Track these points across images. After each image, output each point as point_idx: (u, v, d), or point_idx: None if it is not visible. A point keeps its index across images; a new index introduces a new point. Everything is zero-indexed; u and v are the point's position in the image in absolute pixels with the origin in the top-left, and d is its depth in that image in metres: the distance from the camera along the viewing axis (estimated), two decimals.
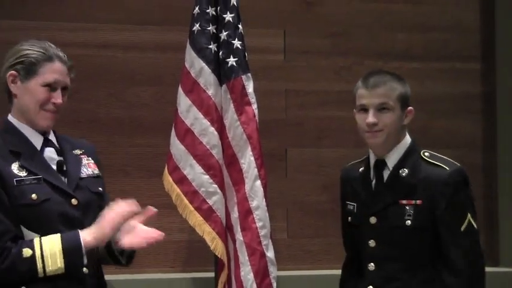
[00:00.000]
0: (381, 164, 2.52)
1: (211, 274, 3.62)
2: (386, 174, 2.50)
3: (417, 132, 4.14)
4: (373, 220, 2.49)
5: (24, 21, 3.78)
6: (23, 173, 2.23)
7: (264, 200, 3.50)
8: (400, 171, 2.48)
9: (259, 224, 3.47)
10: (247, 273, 3.44)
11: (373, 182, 2.52)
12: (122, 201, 2.23)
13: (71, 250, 2.18)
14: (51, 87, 2.28)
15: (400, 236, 2.44)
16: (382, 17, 4.22)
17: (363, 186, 2.55)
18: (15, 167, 2.24)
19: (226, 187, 3.53)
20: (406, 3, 4.26)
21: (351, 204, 2.58)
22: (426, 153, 2.53)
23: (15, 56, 2.30)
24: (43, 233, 2.21)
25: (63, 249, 2.17)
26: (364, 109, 2.49)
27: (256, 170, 3.49)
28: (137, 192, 3.75)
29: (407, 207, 2.44)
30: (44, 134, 2.33)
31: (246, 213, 3.47)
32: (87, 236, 2.20)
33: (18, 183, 2.21)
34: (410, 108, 2.54)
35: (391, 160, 2.50)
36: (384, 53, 4.20)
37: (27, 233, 2.22)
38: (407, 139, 2.56)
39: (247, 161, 3.50)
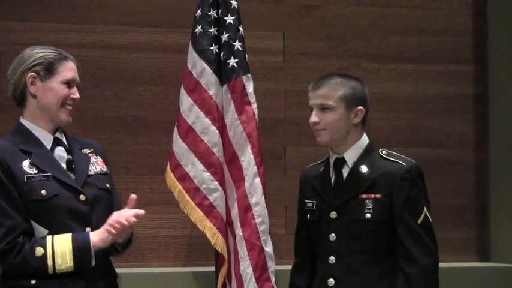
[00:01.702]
0: (340, 161, 2.56)
1: (212, 268, 3.60)
2: (345, 171, 2.54)
3: (411, 131, 4.20)
4: (333, 215, 2.52)
5: (33, 23, 3.78)
6: (33, 171, 2.27)
7: (263, 196, 3.49)
8: (359, 167, 2.52)
9: (258, 220, 3.46)
10: (246, 268, 3.43)
11: (333, 179, 2.56)
12: (126, 209, 2.28)
13: (80, 250, 2.21)
14: (69, 84, 2.35)
15: (360, 228, 2.47)
16: (377, 21, 4.22)
17: (322, 183, 2.58)
18: (26, 165, 2.27)
19: (227, 184, 3.52)
20: (400, 8, 4.26)
21: (310, 202, 2.62)
22: (384, 151, 2.57)
23: (31, 59, 2.35)
24: (53, 226, 2.24)
25: (73, 249, 2.21)
26: (311, 109, 2.57)
27: (255, 167, 3.48)
28: (140, 189, 3.75)
29: (367, 201, 2.48)
30: (54, 133, 2.36)
31: (246, 209, 3.46)
32: (95, 237, 2.24)
33: (28, 180, 2.25)
34: (359, 107, 2.56)
35: (350, 157, 2.54)
36: (379, 55, 4.21)
37: (37, 227, 2.25)
38: (365, 138, 2.59)
39: (247, 159, 3.48)
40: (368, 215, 2.46)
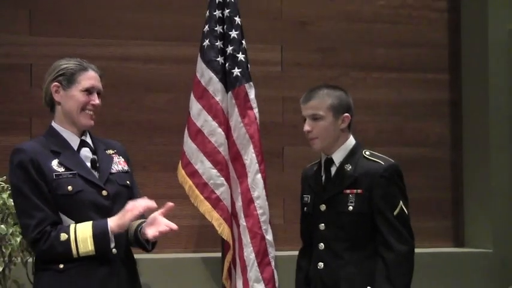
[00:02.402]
0: (329, 161, 2.57)
1: (219, 254, 3.60)
2: (333, 169, 2.56)
3: (394, 132, 4.21)
4: (323, 207, 2.53)
5: (60, 38, 3.77)
6: (61, 169, 2.26)
7: (264, 190, 3.49)
8: (345, 166, 2.53)
9: (259, 212, 3.46)
10: (249, 254, 3.42)
11: (323, 176, 2.58)
12: (143, 199, 2.27)
13: (100, 235, 2.21)
14: (88, 91, 2.33)
15: (344, 219, 2.49)
16: (364, 35, 4.21)
17: (315, 180, 2.60)
18: (55, 164, 2.27)
19: (232, 180, 3.51)
20: (384, 23, 4.25)
21: (306, 197, 2.64)
22: (367, 152, 2.57)
23: (55, 70, 2.35)
24: (77, 218, 2.24)
25: (93, 235, 2.20)
26: (304, 119, 2.57)
27: (257, 165, 3.47)
28: (155, 185, 3.74)
29: (350, 196, 2.49)
30: (81, 136, 2.36)
31: (249, 202, 3.46)
32: (112, 223, 2.24)
33: (56, 177, 2.24)
34: (346, 114, 2.55)
35: (337, 158, 2.55)
36: (366, 66, 4.19)
37: (65, 219, 2.25)
38: (352, 140, 2.59)
39: (250, 158, 3.48)
40: (350, 208, 2.48)
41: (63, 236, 2.19)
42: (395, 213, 2.46)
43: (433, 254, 4.03)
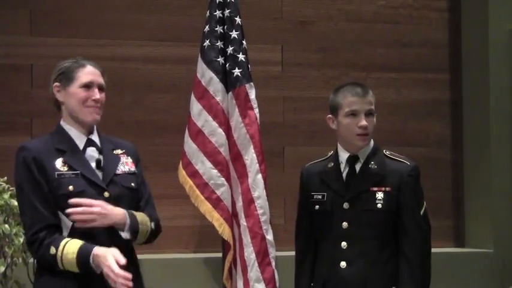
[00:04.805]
0: (354, 158, 2.53)
1: (219, 254, 3.60)
2: (358, 167, 2.52)
3: (395, 132, 4.20)
4: (346, 205, 2.49)
5: (60, 38, 3.78)
6: (65, 168, 2.25)
7: (264, 190, 3.49)
8: (369, 165, 2.51)
9: (260, 212, 3.45)
10: (250, 254, 3.42)
11: (344, 173, 2.53)
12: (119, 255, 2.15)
13: (82, 260, 2.17)
14: (87, 86, 2.31)
15: (371, 217, 2.46)
16: (364, 35, 4.21)
17: (334, 178, 2.54)
18: (58, 163, 2.26)
19: (232, 180, 3.51)
20: (385, 23, 4.25)
21: (319, 195, 2.56)
22: (387, 152, 2.56)
23: (55, 72, 2.36)
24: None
25: (76, 258, 2.17)
26: (353, 114, 2.48)
27: (257, 165, 3.47)
28: (156, 185, 3.70)
29: (378, 193, 2.47)
30: (89, 134, 2.34)
31: (249, 202, 3.46)
32: (97, 253, 2.17)
33: (58, 177, 2.23)
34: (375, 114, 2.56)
35: (363, 155, 2.53)
36: (366, 66, 4.19)
37: (65, 219, 2.23)
38: (372, 140, 2.58)
39: (250, 158, 3.48)
40: (379, 205, 2.45)
41: (52, 250, 2.18)
42: (421, 212, 2.47)
43: (433, 254, 3.94)
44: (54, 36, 3.77)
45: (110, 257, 2.12)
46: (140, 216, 2.32)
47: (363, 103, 2.47)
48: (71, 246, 2.18)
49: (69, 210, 2.19)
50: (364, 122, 2.46)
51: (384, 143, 4.05)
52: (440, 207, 4.23)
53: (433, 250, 4.03)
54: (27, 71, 3.74)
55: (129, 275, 2.11)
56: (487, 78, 4.13)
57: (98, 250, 2.16)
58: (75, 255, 2.16)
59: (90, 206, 2.19)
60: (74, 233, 2.22)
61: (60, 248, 2.18)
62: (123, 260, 2.12)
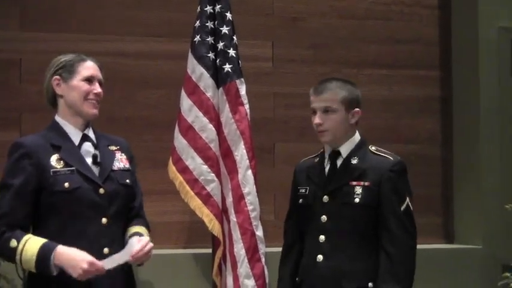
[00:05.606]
0: (335, 153, 2.55)
1: (209, 250, 3.60)
2: (339, 161, 2.54)
3: (386, 129, 4.20)
4: (325, 199, 2.50)
5: (51, 33, 3.76)
6: (60, 165, 2.24)
7: (255, 186, 3.48)
8: (351, 159, 2.52)
9: (250, 208, 3.45)
10: (239, 250, 3.42)
11: (327, 168, 2.55)
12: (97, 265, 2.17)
13: (41, 260, 2.14)
14: (89, 80, 2.33)
15: (349, 211, 2.46)
16: (356, 32, 4.21)
17: (317, 172, 2.57)
18: (54, 159, 2.25)
19: (222, 176, 3.51)
20: (377, 20, 4.25)
21: (303, 188, 2.59)
22: (373, 147, 2.57)
23: (54, 65, 2.36)
24: (72, 215, 2.21)
25: (37, 255, 2.14)
26: (314, 111, 2.53)
27: (248, 161, 3.47)
28: (146, 180, 3.68)
29: (356, 187, 2.47)
30: (84, 130, 2.34)
31: (239, 198, 3.46)
32: (62, 256, 2.15)
33: (54, 174, 2.22)
34: (357, 109, 2.55)
35: (344, 151, 2.54)
36: (358, 62, 4.19)
37: (48, 223, 2.22)
38: (357, 135, 2.59)
39: (240, 153, 3.47)
40: (357, 200, 2.45)
41: (13, 243, 2.15)
42: (402, 208, 2.45)
43: (423, 250, 3.96)
44: (44, 31, 3.75)
45: (82, 256, 2.13)
46: (144, 232, 2.38)
47: (317, 101, 2.52)
48: (32, 243, 2.16)
49: None
50: (316, 120, 2.50)
51: (375, 139, 4.06)
52: (430, 203, 4.24)
53: (423, 246, 4.08)
54: (17, 66, 3.71)
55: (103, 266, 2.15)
56: (477, 75, 4.13)
57: (63, 248, 2.14)
58: (36, 252, 2.13)
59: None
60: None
61: (22, 241, 2.15)
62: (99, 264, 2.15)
